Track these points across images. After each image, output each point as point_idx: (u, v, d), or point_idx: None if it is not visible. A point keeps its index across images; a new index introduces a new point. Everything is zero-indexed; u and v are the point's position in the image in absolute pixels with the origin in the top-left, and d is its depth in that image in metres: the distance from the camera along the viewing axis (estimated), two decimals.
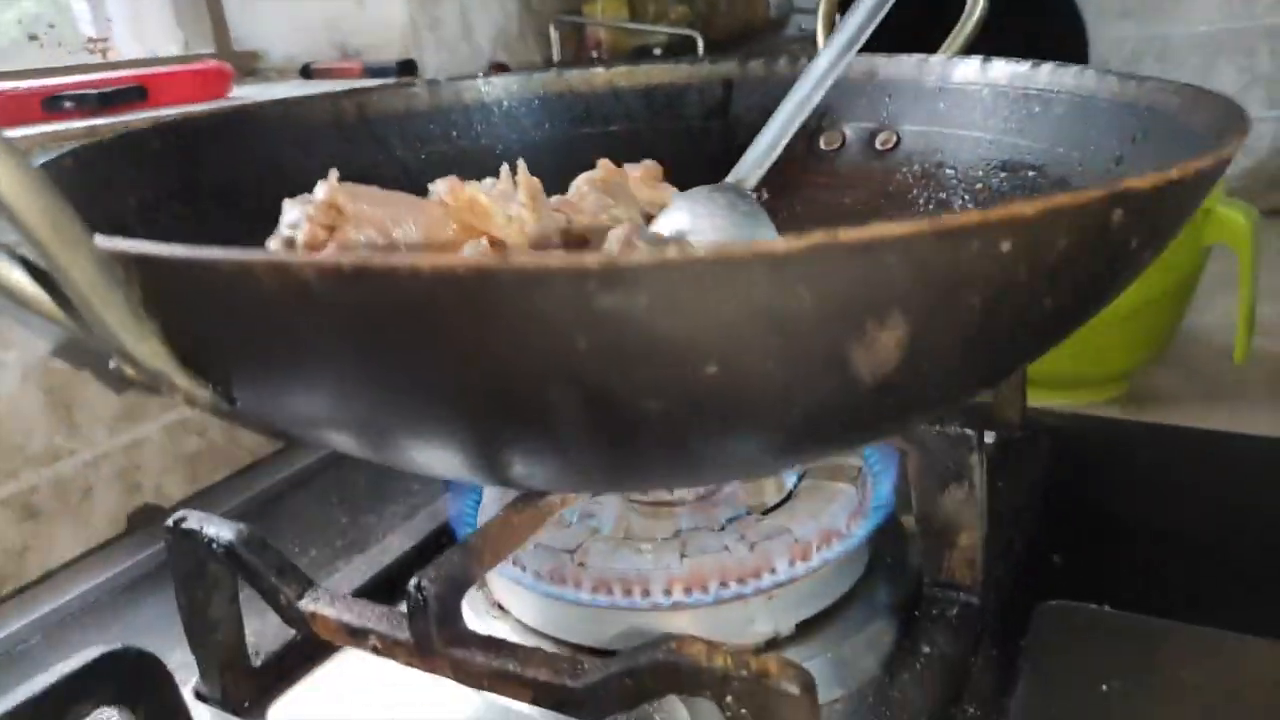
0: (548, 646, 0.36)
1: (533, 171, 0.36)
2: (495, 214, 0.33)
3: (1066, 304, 0.24)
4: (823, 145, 0.51)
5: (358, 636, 0.30)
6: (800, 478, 0.40)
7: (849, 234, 0.19)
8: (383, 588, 0.40)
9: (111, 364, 0.26)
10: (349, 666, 0.38)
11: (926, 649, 0.34)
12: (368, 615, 0.30)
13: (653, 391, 0.21)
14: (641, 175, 0.44)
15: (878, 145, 0.50)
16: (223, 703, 0.35)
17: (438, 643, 0.28)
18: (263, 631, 0.38)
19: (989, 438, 0.48)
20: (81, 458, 0.52)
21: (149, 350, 0.23)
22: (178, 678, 0.35)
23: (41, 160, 0.33)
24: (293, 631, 0.38)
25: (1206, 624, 0.34)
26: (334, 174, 0.32)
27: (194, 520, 0.33)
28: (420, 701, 0.36)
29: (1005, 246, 0.21)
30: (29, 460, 0.49)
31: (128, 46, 0.72)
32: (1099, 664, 0.33)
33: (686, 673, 0.24)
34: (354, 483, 0.53)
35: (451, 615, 0.29)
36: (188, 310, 0.22)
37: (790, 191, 0.51)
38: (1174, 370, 0.78)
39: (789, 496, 0.39)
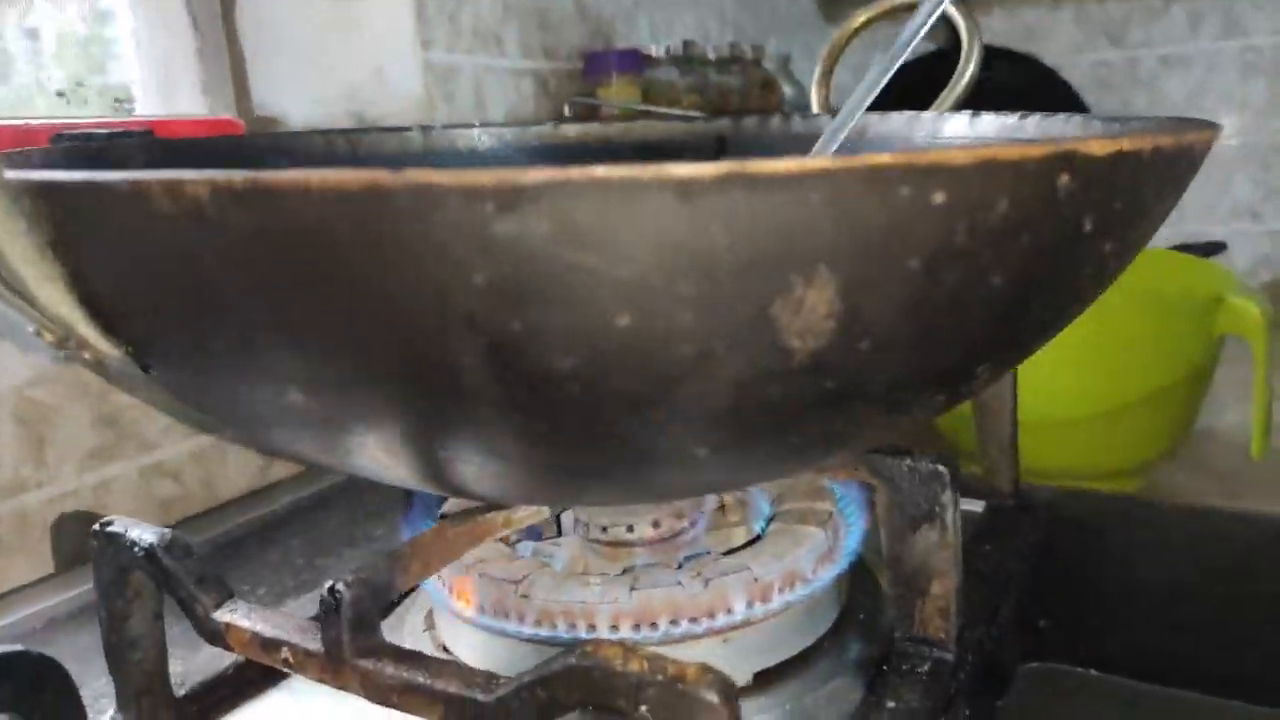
0: None
1: None
2: None
3: (1020, 288, 0.23)
4: None
5: (270, 649, 0.28)
6: (769, 522, 0.38)
7: (760, 165, 0.18)
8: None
9: (30, 328, 0.25)
10: (279, 705, 0.36)
11: (892, 704, 0.31)
12: (281, 626, 0.28)
13: (561, 344, 0.20)
14: None
15: None
16: None
17: (348, 651, 0.26)
18: (190, 665, 0.36)
19: (978, 506, 0.46)
20: (48, 492, 0.50)
21: (54, 293, 0.22)
22: (95, 707, 0.33)
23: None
24: (220, 665, 0.36)
25: (1195, 691, 0.31)
26: None
27: (119, 524, 0.32)
28: None
29: (938, 198, 0.19)
30: None
31: (154, 109, 0.74)
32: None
33: (599, 679, 0.22)
34: (320, 529, 0.51)
35: (366, 624, 0.27)
36: (92, 244, 0.21)
37: None
38: (1190, 468, 0.75)
39: (755, 540, 0.36)
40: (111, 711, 0.34)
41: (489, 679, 0.25)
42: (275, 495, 0.57)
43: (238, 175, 0.18)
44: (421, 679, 0.25)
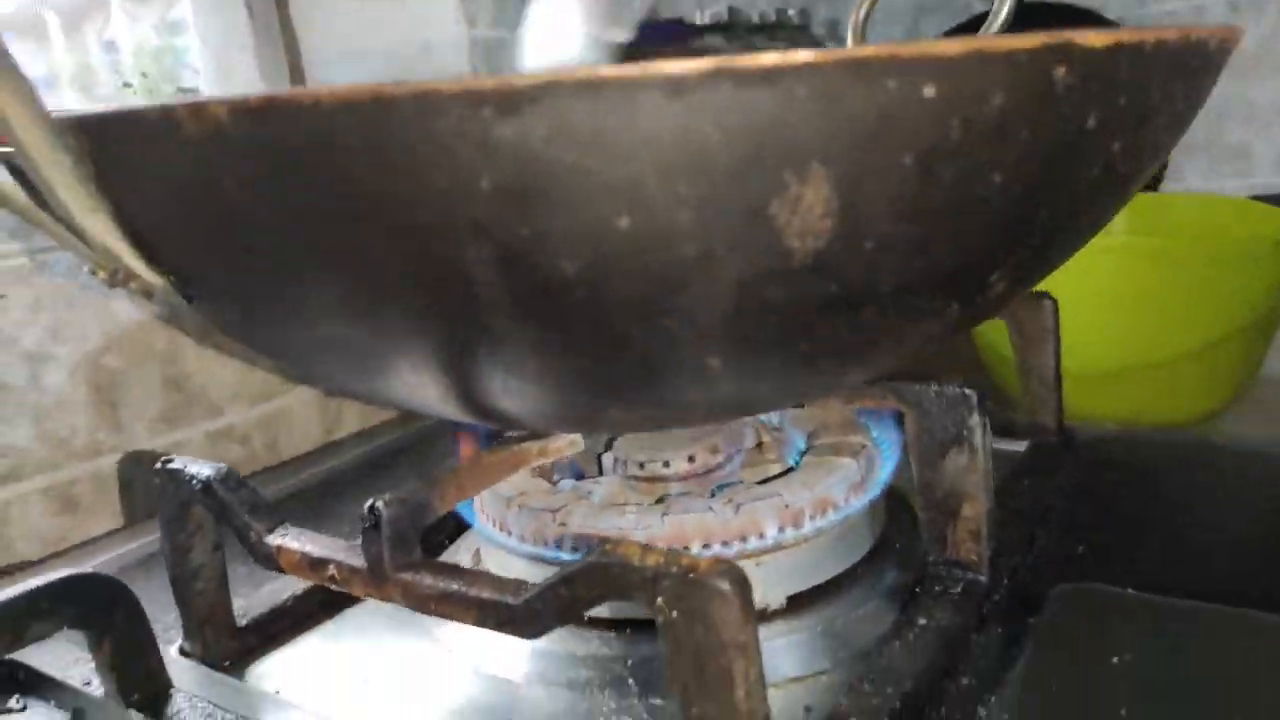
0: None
1: None
2: None
3: (1024, 187, 0.23)
4: None
5: (318, 568, 0.30)
6: (802, 454, 0.38)
7: (747, 59, 0.19)
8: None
9: (85, 267, 0.27)
10: (334, 636, 0.37)
11: (924, 622, 0.32)
12: (327, 546, 0.30)
13: (566, 248, 0.21)
14: None
15: None
16: (203, 657, 0.35)
17: (389, 565, 0.28)
18: (251, 601, 0.38)
19: (1020, 446, 0.45)
20: (122, 455, 0.53)
21: (99, 225, 0.24)
22: (165, 638, 0.35)
23: None
24: (278, 600, 0.38)
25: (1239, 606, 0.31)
26: None
27: (179, 461, 0.33)
28: (401, 676, 0.35)
29: (928, 91, 0.20)
30: (72, 454, 0.51)
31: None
32: (1113, 640, 0.30)
33: (617, 574, 0.23)
34: (382, 486, 0.53)
35: (405, 540, 0.28)
36: (130, 175, 0.23)
37: None
38: (1254, 417, 0.73)
39: (788, 471, 0.37)
40: (180, 641, 0.36)
41: (518, 585, 0.26)
42: (338, 453, 0.59)
43: (254, 94, 0.19)
44: (457, 587, 0.26)
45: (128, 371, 0.53)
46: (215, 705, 0.30)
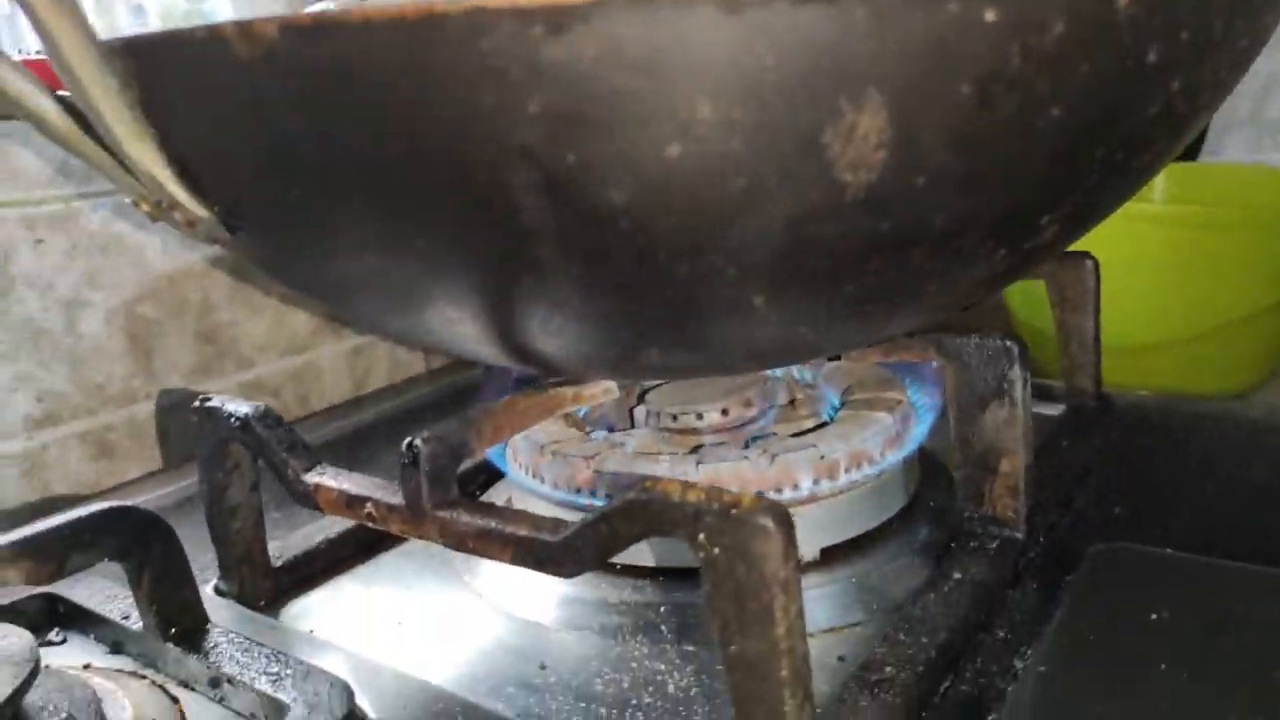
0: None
1: None
2: None
3: (1082, 123, 0.22)
4: None
5: (355, 506, 0.30)
6: (836, 410, 0.38)
7: None
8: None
9: (128, 199, 0.27)
10: (367, 578, 0.38)
11: (958, 575, 0.31)
12: (365, 485, 0.30)
13: (614, 176, 0.21)
14: None
15: None
16: (239, 596, 0.36)
17: (427, 502, 0.28)
18: (285, 546, 0.38)
19: (1057, 410, 0.45)
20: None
21: (145, 152, 0.24)
22: (201, 577, 0.35)
23: None
24: (313, 542, 0.38)
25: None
26: None
27: (216, 400, 0.34)
28: (435, 613, 0.35)
29: (990, 15, 0.19)
30: (107, 400, 0.52)
31: None
32: (1151, 598, 0.29)
33: (657, 510, 0.23)
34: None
35: (443, 478, 0.28)
36: (178, 101, 0.23)
37: None
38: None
39: (823, 425, 0.37)
40: (215, 580, 0.37)
41: (556, 523, 0.26)
42: (369, 406, 0.60)
43: (305, 15, 0.19)
44: (494, 524, 0.26)
45: (162, 321, 0.53)
46: (251, 640, 0.30)
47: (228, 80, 0.21)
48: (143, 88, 0.23)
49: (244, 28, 0.20)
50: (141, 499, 0.46)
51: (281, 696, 0.28)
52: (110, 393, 0.52)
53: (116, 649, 0.33)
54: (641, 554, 0.34)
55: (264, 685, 0.29)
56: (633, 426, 0.40)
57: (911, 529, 0.36)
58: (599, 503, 0.34)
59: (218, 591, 0.36)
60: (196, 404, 0.34)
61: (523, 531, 0.26)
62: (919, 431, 0.37)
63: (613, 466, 0.34)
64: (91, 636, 0.34)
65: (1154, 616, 0.29)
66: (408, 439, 0.28)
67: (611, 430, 0.39)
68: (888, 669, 0.27)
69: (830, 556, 0.34)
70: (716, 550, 0.22)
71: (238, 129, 0.22)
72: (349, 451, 0.52)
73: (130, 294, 0.52)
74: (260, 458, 0.33)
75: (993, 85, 0.20)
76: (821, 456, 0.34)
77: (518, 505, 0.39)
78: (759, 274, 0.24)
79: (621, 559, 0.34)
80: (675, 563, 0.34)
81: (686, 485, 0.23)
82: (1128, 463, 0.41)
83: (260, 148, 0.23)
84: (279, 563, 0.37)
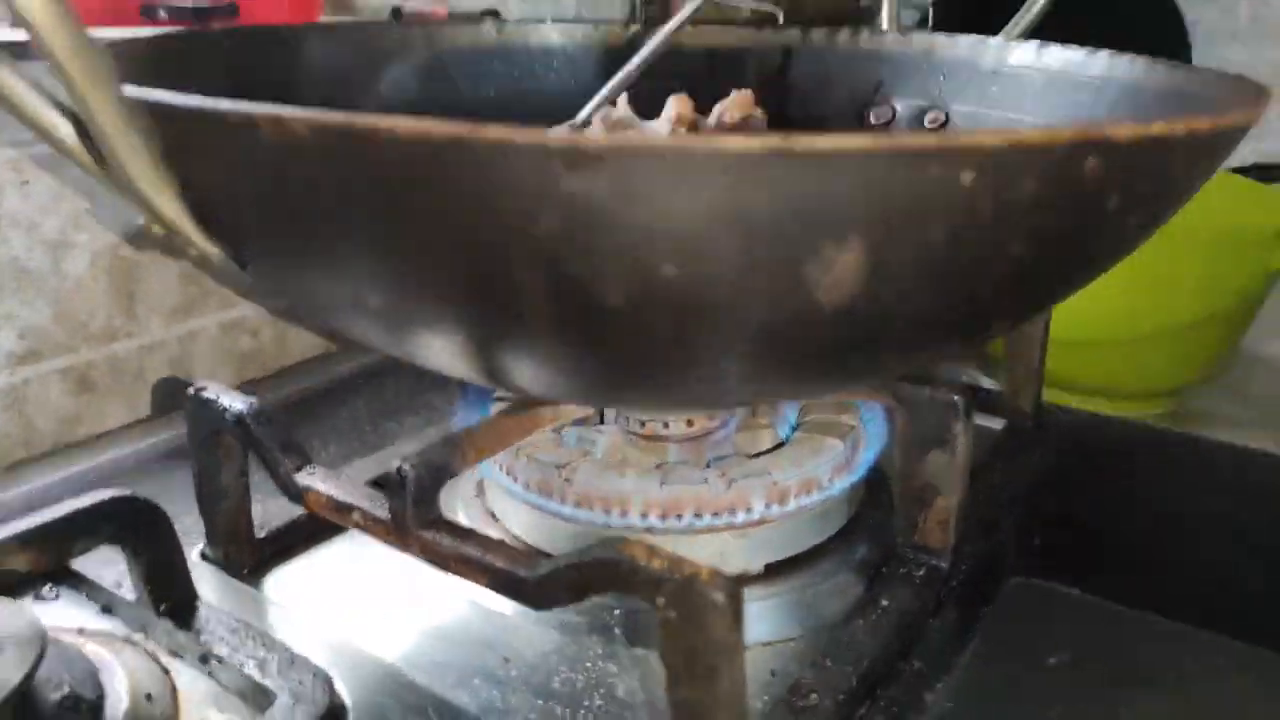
0: None
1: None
2: None
3: (1041, 257, 0.25)
4: (872, 119, 0.52)
5: (343, 512, 0.32)
6: (794, 429, 0.41)
7: (805, 141, 0.20)
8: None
9: (139, 220, 0.28)
10: (344, 550, 0.40)
11: (886, 602, 0.35)
12: (354, 494, 0.32)
13: (613, 286, 0.22)
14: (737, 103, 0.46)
15: (926, 123, 0.50)
16: (225, 566, 0.38)
17: (411, 522, 0.30)
18: (269, 508, 0.40)
19: (999, 424, 0.48)
20: (138, 341, 0.55)
21: (166, 202, 0.25)
22: (187, 540, 0.38)
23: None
24: (295, 513, 0.41)
25: (1175, 620, 0.34)
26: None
27: (212, 390, 0.35)
28: (407, 589, 0.38)
29: (967, 178, 0.21)
30: (89, 338, 0.53)
31: None
32: (1055, 639, 0.33)
33: (624, 572, 0.26)
34: (385, 394, 0.55)
35: (427, 499, 0.30)
36: (201, 161, 0.24)
37: None
38: (1227, 393, 0.75)
39: (779, 445, 0.39)
40: (202, 545, 0.39)
41: (532, 558, 0.28)
42: (342, 359, 0.61)
43: (335, 117, 0.20)
44: (474, 552, 0.29)
45: (145, 264, 0.54)
46: (239, 621, 0.33)
47: (255, 157, 0.22)
48: (168, 142, 0.24)
49: (276, 121, 0.21)
50: (128, 449, 0.48)
51: (268, 684, 0.31)
52: (92, 330, 0.53)
53: (107, 610, 0.35)
54: None
55: (251, 670, 0.31)
56: (602, 422, 0.42)
57: (850, 547, 0.39)
58: (568, 512, 0.36)
59: (203, 556, 0.38)
60: (191, 392, 0.35)
61: (500, 564, 0.28)
62: (867, 458, 0.39)
63: (582, 479, 0.36)
64: (84, 594, 0.36)
65: (1052, 660, 0.32)
66: (396, 463, 0.30)
67: (582, 423, 0.42)
68: (812, 695, 0.31)
69: (772, 570, 0.38)
70: (673, 613, 0.25)
71: (259, 196, 0.24)
72: (326, 411, 0.54)
73: (114, 237, 0.52)
74: (252, 451, 0.35)
75: (964, 231, 0.22)
76: (775, 482, 0.36)
77: (489, 489, 0.42)
78: (737, 358, 0.26)
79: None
80: None
81: (652, 551, 0.26)
82: (1056, 490, 0.44)
83: (279, 215, 0.24)
84: (262, 534, 0.39)
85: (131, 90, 0.23)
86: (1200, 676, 0.32)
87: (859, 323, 0.24)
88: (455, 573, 0.30)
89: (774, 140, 0.20)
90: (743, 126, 0.48)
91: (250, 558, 0.38)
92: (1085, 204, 0.23)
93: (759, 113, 0.49)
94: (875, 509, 0.42)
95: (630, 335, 0.24)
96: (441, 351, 0.28)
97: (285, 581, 0.38)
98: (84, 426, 0.52)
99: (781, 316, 0.24)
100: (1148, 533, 0.41)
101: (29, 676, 0.28)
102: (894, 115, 0.51)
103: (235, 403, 0.34)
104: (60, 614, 0.35)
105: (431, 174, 0.21)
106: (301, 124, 0.21)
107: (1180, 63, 0.39)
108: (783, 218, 0.21)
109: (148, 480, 0.45)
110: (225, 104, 0.22)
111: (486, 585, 0.29)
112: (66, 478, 0.46)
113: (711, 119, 0.48)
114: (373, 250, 0.24)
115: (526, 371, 0.28)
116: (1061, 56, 0.45)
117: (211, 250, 0.26)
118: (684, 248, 0.21)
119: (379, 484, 0.40)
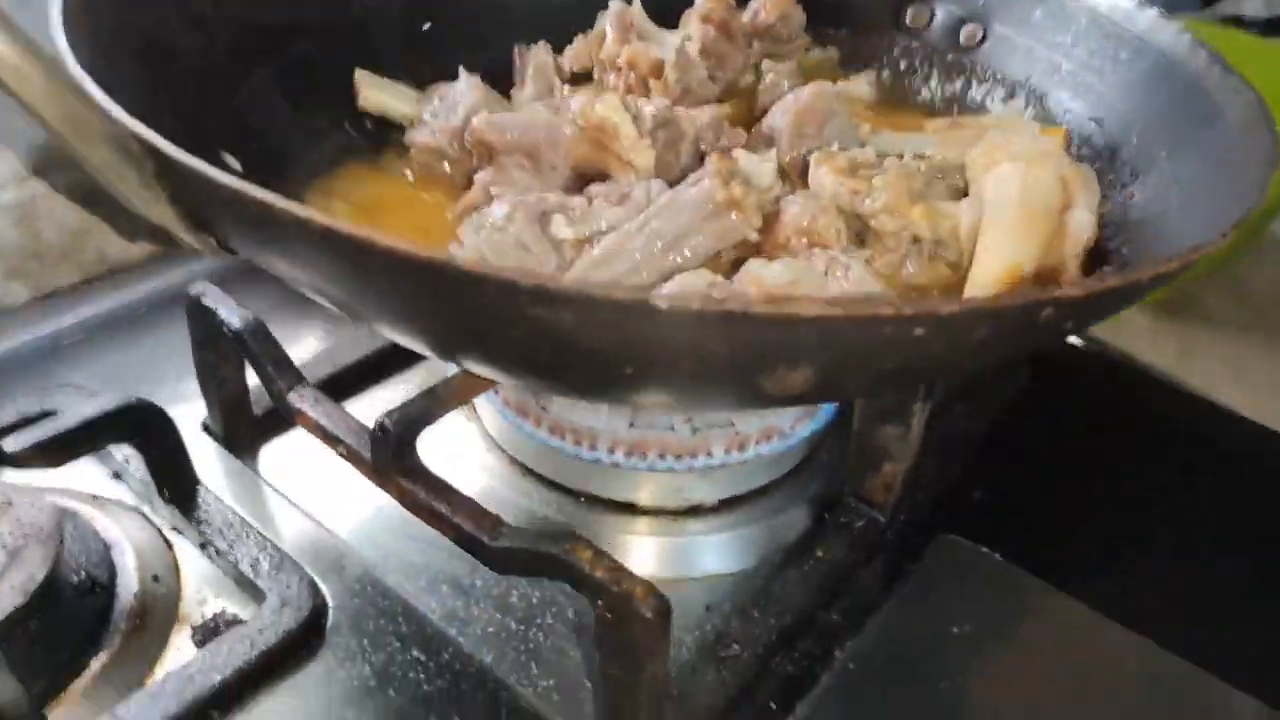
0: (521, 476, 0.42)
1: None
2: (623, 136, 0.35)
3: (982, 369, 0.26)
4: (909, 20, 0.49)
5: (330, 441, 0.35)
6: None
7: (763, 307, 0.21)
8: (342, 380, 0.45)
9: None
10: None
11: (820, 553, 0.39)
12: (340, 425, 0.35)
13: (580, 374, 0.24)
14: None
15: (962, 39, 0.47)
16: (225, 440, 0.41)
17: (391, 468, 0.33)
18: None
19: None
20: None
21: (161, 213, 0.26)
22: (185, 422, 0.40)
23: None
24: None
25: (1082, 597, 0.38)
26: (483, 114, 0.37)
27: (211, 299, 0.37)
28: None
29: (919, 332, 0.22)
30: None
31: None
32: (963, 605, 0.37)
33: (575, 572, 0.29)
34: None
35: (407, 449, 0.33)
36: (192, 194, 0.24)
37: (870, 61, 0.49)
38: (1226, 291, 0.75)
39: None
40: (204, 419, 0.42)
41: (495, 524, 0.31)
42: None
43: (319, 221, 0.21)
44: (444, 509, 0.32)
45: None
46: (237, 515, 0.37)
47: (243, 219, 0.23)
48: (158, 167, 0.24)
49: (266, 209, 0.22)
50: (131, 298, 0.50)
51: (260, 584, 0.35)
52: None
53: (117, 476, 0.39)
54: (570, 474, 0.41)
55: (245, 569, 0.35)
56: None
57: (802, 486, 0.43)
58: (540, 435, 0.39)
59: (205, 429, 0.42)
60: (191, 297, 0.37)
61: (465, 525, 0.32)
62: (828, 409, 0.42)
63: (556, 409, 0.39)
64: (97, 458, 0.40)
65: (955, 630, 0.37)
66: (378, 418, 0.33)
67: None
68: (734, 646, 0.35)
69: (727, 503, 0.41)
70: (609, 614, 0.29)
71: (249, 242, 0.24)
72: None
73: None
74: (249, 362, 0.37)
75: (911, 363, 0.24)
76: (737, 432, 0.39)
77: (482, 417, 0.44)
78: (690, 403, 0.28)
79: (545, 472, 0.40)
80: (602, 493, 0.41)
81: (597, 557, 0.29)
82: (1010, 430, 0.46)
83: (269, 254, 0.25)
84: (259, 411, 0.42)
85: (126, 121, 0.23)
86: (1090, 661, 0.36)
87: (803, 398, 0.26)
88: (428, 523, 0.33)
89: (735, 303, 0.21)
90: (780, 25, 0.46)
91: (248, 431, 0.42)
92: (1035, 337, 0.24)
93: (798, 12, 0.46)
94: (832, 446, 0.44)
95: (589, 375, 0.26)
96: (419, 345, 0.30)
97: (279, 460, 0.42)
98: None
99: (731, 398, 0.25)
100: (1075, 510, 0.43)
101: (51, 576, 0.32)
102: (931, 19, 0.48)
103: (234, 319, 0.36)
104: (76, 476, 0.39)
105: (410, 285, 0.22)
106: (289, 217, 0.21)
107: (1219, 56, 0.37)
108: (738, 352, 0.22)
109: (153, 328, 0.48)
110: (219, 176, 0.22)
111: (453, 540, 0.32)
112: (81, 323, 0.49)
113: (746, 15, 0.46)
114: (350, 294, 0.25)
115: (487, 371, 0.30)
116: (1111, 1, 0.42)
117: (204, 242, 0.27)
118: (641, 363, 0.23)
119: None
